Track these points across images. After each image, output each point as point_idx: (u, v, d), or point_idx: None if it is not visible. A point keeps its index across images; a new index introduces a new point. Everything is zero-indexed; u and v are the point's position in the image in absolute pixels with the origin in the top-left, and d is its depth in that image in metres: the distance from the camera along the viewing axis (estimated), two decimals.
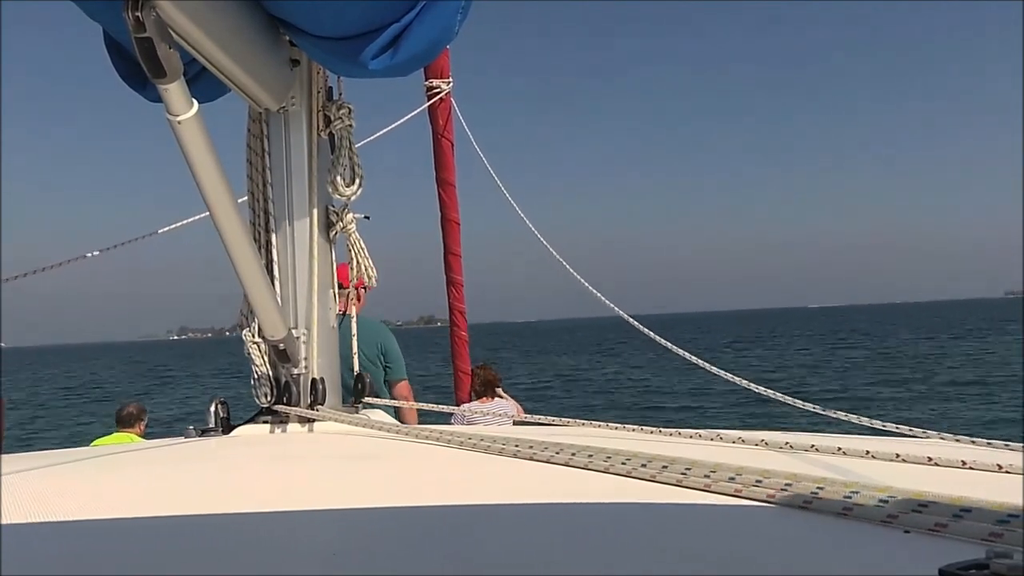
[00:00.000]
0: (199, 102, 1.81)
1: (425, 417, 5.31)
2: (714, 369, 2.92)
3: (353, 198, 2.60)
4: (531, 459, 1.57)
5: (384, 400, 3.22)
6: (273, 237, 2.53)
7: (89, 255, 3.27)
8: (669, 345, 3.32)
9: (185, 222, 3.48)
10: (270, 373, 2.48)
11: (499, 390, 6.39)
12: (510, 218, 5.19)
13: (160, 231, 3.58)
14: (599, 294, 4.19)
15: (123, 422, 6.72)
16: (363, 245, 2.73)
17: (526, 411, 5.97)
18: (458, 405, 5.91)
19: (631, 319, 3.85)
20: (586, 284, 4.27)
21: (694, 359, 3.11)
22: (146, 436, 6.56)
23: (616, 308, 4.02)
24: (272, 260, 2.51)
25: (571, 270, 4.50)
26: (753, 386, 2.64)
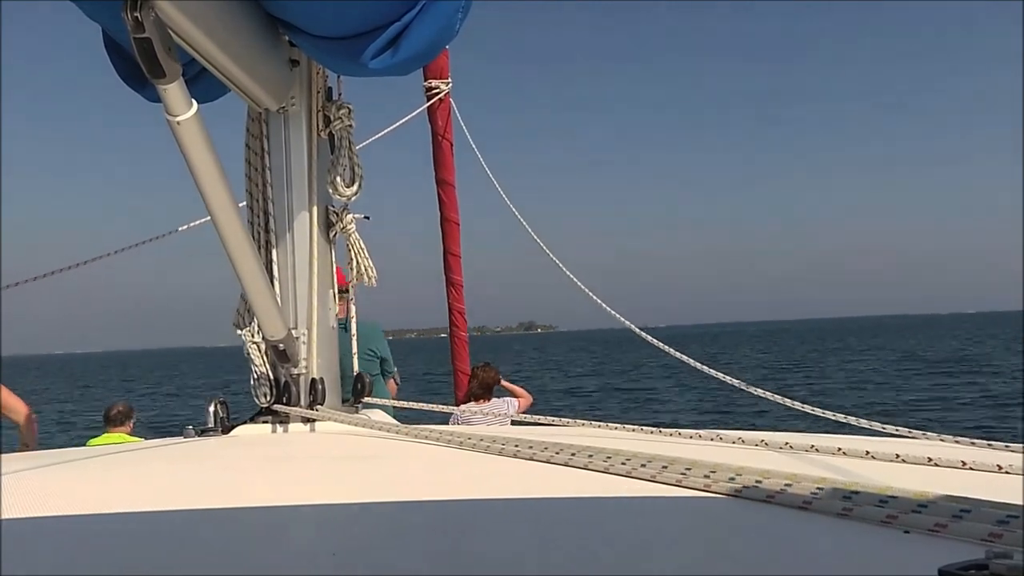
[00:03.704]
0: (199, 102, 1.81)
1: (424, 417, 5.30)
2: (711, 371, 2.91)
3: (353, 198, 2.60)
4: (531, 459, 1.57)
5: (383, 400, 3.22)
6: (273, 237, 2.53)
7: (98, 258, 3.25)
8: (679, 354, 3.21)
9: (201, 221, 3.41)
10: (269, 373, 2.48)
11: (503, 382, 6.50)
12: (508, 221, 5.13)
13: (180, 228, 3.56)
14: (602, 302, 4.02)
15: (112, 421, 6.80)
16: (363, 245, 2.73)
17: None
18: (457, 405, 5.92)
19: (639, 331, 3.70)
20: (589, 292, 4.10)
21: (696, 363, 3.06)
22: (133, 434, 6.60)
23: (623, 319, 3.84)
24: (272, 260, 2.51)
25: (571, 275, 4.38)
26: (752, 388, 2.63)
